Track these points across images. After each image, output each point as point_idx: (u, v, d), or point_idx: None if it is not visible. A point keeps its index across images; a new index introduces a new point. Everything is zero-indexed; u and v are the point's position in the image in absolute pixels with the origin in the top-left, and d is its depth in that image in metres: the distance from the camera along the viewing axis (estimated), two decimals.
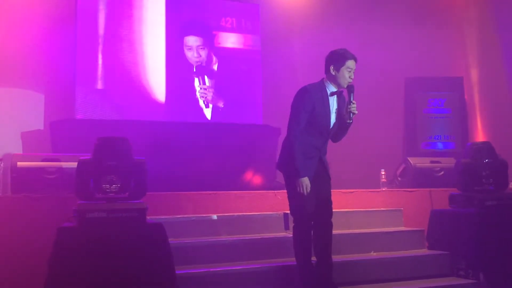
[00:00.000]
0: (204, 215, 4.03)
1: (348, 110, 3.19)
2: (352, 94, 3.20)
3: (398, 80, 7.07)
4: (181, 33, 6.43)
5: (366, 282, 3.65)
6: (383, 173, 5.36)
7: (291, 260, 3.77)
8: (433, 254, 4.07)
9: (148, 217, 3.23)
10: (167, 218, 3.76)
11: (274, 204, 4.39)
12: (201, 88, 6.32)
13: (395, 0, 6.99)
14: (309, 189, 3.14)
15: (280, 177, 5.86)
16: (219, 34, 6.69)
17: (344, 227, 4.23)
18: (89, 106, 5.79)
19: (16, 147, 5.52)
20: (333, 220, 4.29)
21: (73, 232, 3.02)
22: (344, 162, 5.93)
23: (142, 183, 3.20)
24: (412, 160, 5.48)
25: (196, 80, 6.40)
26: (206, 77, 6.44)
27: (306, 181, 3.16)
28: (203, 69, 6.43)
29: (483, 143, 4.37)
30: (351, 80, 3.21)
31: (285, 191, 4.78)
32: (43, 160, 4.17)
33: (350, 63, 3.20)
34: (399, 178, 5.62)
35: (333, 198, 4.64)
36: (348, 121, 3.21)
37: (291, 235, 3.96)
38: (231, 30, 6.78)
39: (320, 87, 3.24)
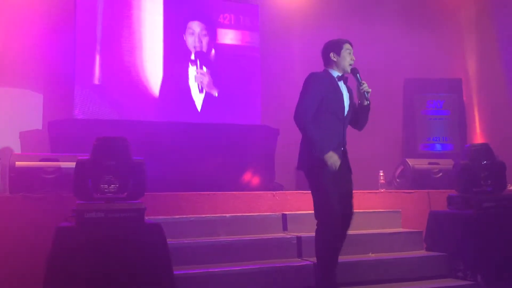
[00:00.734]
0: (202, 216, 4.03)
1: (361, 91, 3.15)
2: (358, 75, 3.18)
3: (397, 81, 7.08)
4: (180, 31, 6.43)
5: (364, 283, 3.65)
6: (381, 174, 5.37)
7: (290, 261, 3.78)
8: (431, 255, 4.07)
9: (146, 218, 3.22)
10: (165, 219, 3.76)
11: (273, 205, 4.40)
12: (197, 73, 6.33)
13: (394, 1, 7.01)
14: (338, 164, 2.96)
15: (278, 178, 5.90)
16: (218, 33, 6.69)
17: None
18: (88, 106, 5.79)
19: (14, 147, 5.52)
20: None
21: (71, 232, 3.01)
22: None
23: (141, 183, 3.20)
24: (410, 162, 5.49)
25: (191, 68, 6.39)
26: (203, 66, 6.45)
27: (332, 156, 2.96)
28: (202, 55, 6.45)
29: (481, 144, 4.38)
30: (352, 62, 3.19)
31: (284, 191, 4.81)
32: (41, 160, 4.17)
33: (348, 45, 3.21)
34: (397, 180, 5.63)
35: None
36: (366, 102, 3.15)
37: (290, 236, 3.97)
38: (230, 28, 6.78)
39: (326, 74, 3.21)
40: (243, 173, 5.61)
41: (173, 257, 3.19)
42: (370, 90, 3.14)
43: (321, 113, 3.08)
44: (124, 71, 6.05)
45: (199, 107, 6.35)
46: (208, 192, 4.27)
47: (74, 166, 3.18)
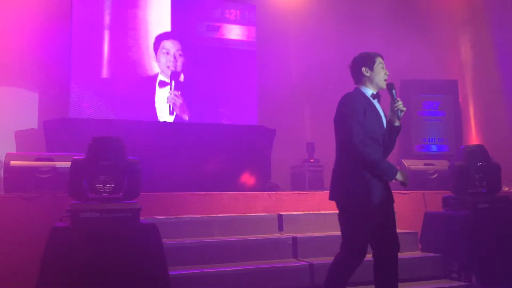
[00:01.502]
0: (198, 216, 4.03)
1: (395, 109, 2.81)
2: (393, 91, 2.87)
3: (393, 82, 7.09)
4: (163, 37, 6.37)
5: (360, 283, 3.65)
6: None
7: (285, 262, 3.79)
8: (426, 256, 4.08)
9: (141, 218, 3.22)
10: (160, 219, 3.76)
11: (269, 206, 4.40)
12: (170, 94, 6.18)
13: (390, 3, 7.03)
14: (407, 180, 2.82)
15: (274, 178, 5.90)
16: (214, 33, 6.69)
17: (337, 228, 4.23)
18: (83, 105, 5.77)
19: (9, 146, 5.50)
20: (328, 222, 4.33)
21: (66, 232, 3.00)
22: None
23: (136, 184, 3.20)
24: (406, 162, 5.50)
25: (163, 89, 6.24)
26: (178, 88, 6.28)
27: (401, 174, 2.79)
28: (177, 75, 6.29)
29: (477, 146, 4.40)
30: (386, 77, 2.90)
31: (279, 192, 4.81)
32: (36, 160, 4.15)
33: (380, 59, 2.92)
34: (393, 180, 5.64)
35: (326, 199, 4.67)
36: (396, 123, 2.83)
37: (285, 237, 3.98)
38: (226, 28, 6.78)
39: (361, 95, 2.84)
40: (239, 174, 5.60)
41: (168, 257, 3.19)
42: (405, 109, 2.83)
43: (364, 139, 2.74)
44: (120, 70, 6.04)
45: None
46: (204, 192, 4.27)
47: (69, 166, 3.17)
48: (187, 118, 6.24)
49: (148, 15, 6.34)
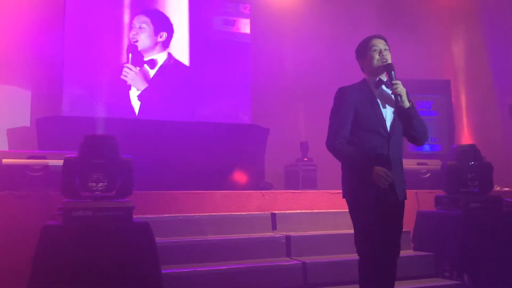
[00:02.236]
0: (191, 215, 4.02)
1: (394, 92, 2.57)
2: (393, 73, 2.60)
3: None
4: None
5: (354, 282, 3.66)
6: None
7: (279, 260, 3.79)
8: (418, 255, 4.10)
9: (134, 216, 3.21)
10: (153, 217, 3.74)
11: (262, 204, 4.40)
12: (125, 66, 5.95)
13: (385, 3, 7.05)
14: (391, 176, 2.47)
15: (268, 177, 5.90)
16: (208, 32, 6.67)
17: (332, 227, 4.26)
18: (76, 103, 5.74)
19: (1, 144, 5.46)
20: (322, 221, 4.34)
21: (58, 231, 2.99)
22: (332, 163, 5.95)
23: (129, 182, 3.19)
24: None
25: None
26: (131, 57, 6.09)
27: (380, 169, 2.46)
28: (134, 49, 6.07)
29: (469, 145, 4.42)
30: (385, 60, 2.64)
31: (273, 191, 4.82)
32: (28, 158, 4.12)
33: (374, 42, 2.68)
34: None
35: (320, 198, 4.70)
36: (401, 103, 2.55)
37: (279, 235, 3.98)
38: (220, 27, 6.76)
39: (359, 85, 2.71)
40: (233, 172, 5.60)
41: (161, 256, 3.18)
42: (402, 92, 2.55)
43: (357, 133, 2.61)
44: (113, 69, 6.01)
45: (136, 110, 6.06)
46: (197, 191, 4.26)
47: (61, 164, 3.15)
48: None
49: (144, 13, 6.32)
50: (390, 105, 2.64)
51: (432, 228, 4.18)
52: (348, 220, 4.39)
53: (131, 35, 6.12)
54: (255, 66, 6.85)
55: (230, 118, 6.37)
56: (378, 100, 2.65)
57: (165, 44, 6.37)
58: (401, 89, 2.56)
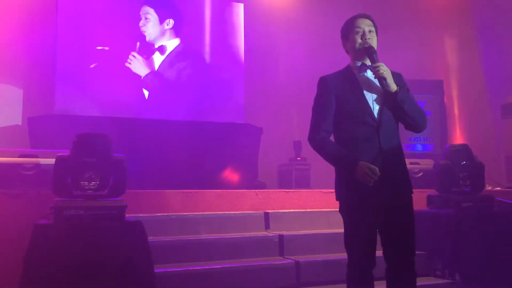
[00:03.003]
0: (184, 214, 4.01)
1: (377, 76, 2.31)
2: (374, 56, 2.36)
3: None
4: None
5: (344, 281, 3.67)
6: None
7: (272, 259, 3.79)
8: None
9: (127, 215, 3.19)
10: (146, 216, 3.73)
11: (255, 203, 4.40)
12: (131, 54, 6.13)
13: (378, 5, 7.06)
14: (377, 173, 2.21)
15: (261, 176, 5.91)
16: (202, 31, 6.67)
17: (325, 227, 4.26)
18: (69, 102, 5.71)
19: None
20: (315, 220, 4.34)
21: (49, 230, 2.97)
22: (325, 162, 5.96)
23: (122, 181, 3.17)
24: None
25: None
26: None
27: (364, 165, 2.21)
28: (142, 38, 6.25)
29: (461, 145, 4.45)
30: (368, 43, 2.39)
31: (267, 190, 4.82)
32: (20, 156, 4.09)
33: (358, 22, 2.43)
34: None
35: (313, 197, 4.70)
36: (386, 87, 2.30)
37: (272, 234, 3.98)
38: (214, 26, 6.76)
39: (342, 72, 2.48)
40: (226, 171, 5.60)
41: (154, 255, 3.17)
42: (386, 74, 2.29)
43: (341, 124, 2.38)
44: (106, 67, 5.98)
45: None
46: (191, 190, 4.25)
47: (53, 163, 3.13)
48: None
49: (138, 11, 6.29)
50: (377, 91, 2.36)
51: (424, 227, 4.18)
52: (341, 219, 4.41)
53: (140, 25, 6.29)
54: (248, 65, 6.85)
55: (224, 117, 6.37)
56: (362, 86, 2.38)
57: (176, 31, 6.48)
58: (384, 70, 2.29)
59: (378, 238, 2.40)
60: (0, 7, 5.72)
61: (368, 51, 2.38)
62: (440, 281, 3.88)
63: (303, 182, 6.08)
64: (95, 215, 3.02)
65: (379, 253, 2.38)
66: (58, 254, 2.89)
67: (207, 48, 6.65)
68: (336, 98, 2.39)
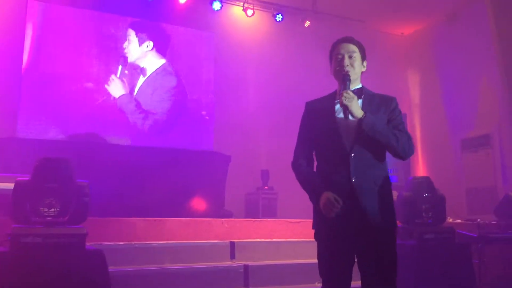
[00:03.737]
0: (147, 242, 3.91)
1: (340, 104, 2.21)
2: (346, 83, 2.24)
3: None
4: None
5: None
6: None
7: None
8: None
9: (88, 244, 3.09)
10: (108, 245, 3.61)
11: (221, 233, 4.35)
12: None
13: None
14: (339, 203, 2.11)
15: (228, 205, 5.86)
16: (173, 58, 6.70)
17: (291, 257, 4.24)
18: (32, 125, 5.56)
19: None
20: (281, 250, 4.32)
21: (5, 258, 2.83)
22: (292, 191, 5.98)
23: (84, 208, 3.08)
24: None
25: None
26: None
27: (325, 196, 2.13)
28: (123, 60, 6.43)
29: (423, 177, 4.57)
30: (346, 68, 2.28)
31: (233, 219, 4.78)
32: None
33: (339, 47, 2.33)
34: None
35: (280, 227, 4.69)
36: (350, 116, 2.19)
37: (237, 265, 3.93)
38: (185, 54, 6.81)
39: (327, 97, 2.40)
40: (193, 199, 5.52)
41: (115, 285, 3.06)
42: (348, 103, 2.17)
43: (317, 149, 2.33)
44: (71, 91, 5.90)
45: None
46: (155, 218, 4.17)
47: (12, 187, 3.01)
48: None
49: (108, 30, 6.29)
50: (349, 119, 2.22)
51: None
52: (307, 250, 4.42)
53: (124, 46, 6.48)
54: (218, 93, 6.89)
55: (193, 144, 6.34)
56: (336, 112, 2.27)
57: (159, 52, 6.64)
58: (348, 98, 2.17)
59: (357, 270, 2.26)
60: None
61: (343, 78, 2.28)
62: None
63: (270, 211, 6.07)
64: (53, 243, 2.92)
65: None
66: (14, 284, 2.75)
67: (180, 74, 6.68)
68: (311, 124, 2.34)
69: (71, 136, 5.68)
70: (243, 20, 7.28)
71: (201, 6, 6.95)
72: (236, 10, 7.29)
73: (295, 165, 2.34)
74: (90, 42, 6.16)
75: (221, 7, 6.91)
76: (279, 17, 7.22)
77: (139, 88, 6.41)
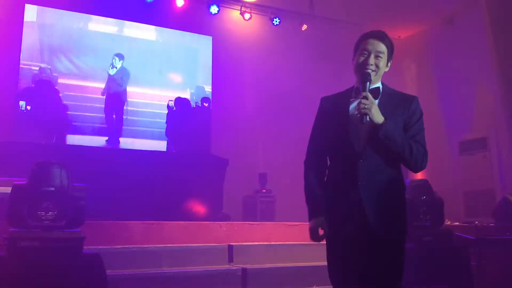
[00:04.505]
0: (145, 246, 3.90)
1: (359, 111, 2.03)
2: (367, 83, 2.07)
3: None
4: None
5: None
6: None
7: None
8: None
9: (85, 247, 3.07)
10: (105, 249, 3.60)
11: (219, 236, 4.34)
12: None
13: (336, 41, 7.34)
14: (318, 236, 2.12)
15: (226, 208, 5.85)
16: (170, 62, 6.71)
17: (288, 260, 4.24)
18: (28, 129, 5.56)
19: None
20: (279, 253, 4.31)
21: (2, 262, 2.81)
22: (289, 194, 5.99)
23: (81, 211, 3.07)
24: None
25: None
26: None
27: (313, 223, 2.12)
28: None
29: (421, 180, 4.57)
30: (371, 67, 2.11)
31: (231, 222, 4.77)
32: None
33: (366, 43, 2.14)
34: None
35: (278, 230, 4.68)
36: (366, 122, 2.02)
37: (235, 268, 3.92)
38: (185, 58, 6.81)
39: (343, 93, 2.24)
40: (191, 203, 5.51)
41: None
42: (368, 109, 2.01)
43: (329, 151, 2.19)
44: (70, 93, 5.90)
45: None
46: (153, 222, 4.15)
47: (9, 191, 3.00)
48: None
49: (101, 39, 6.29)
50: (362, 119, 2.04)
51: None
52: (305, 253, 4.42)
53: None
54: (216, 96, 6.90)
55: (190, 147, 6.34)
56: (350, 112, 2.13)
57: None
58: (368, 105, 2.01)
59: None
60: None
61: (362, 78, 2.10)
62: None
63: (268, 214, 6.06)
64: (51, 247, 2.90)
65: None
66: None
67: (177, 79, 6.68)
68: (324, 122, 2.20)
69: (69, 139, 5.68)
70: (240, 24, 7.29)
71: (199, 10, 6.97)
72: (234, 14, 7.30)
73: (305, 170, 2.22)
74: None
75: (218, 11, 6.93)
76: (276, 21, 7.25)
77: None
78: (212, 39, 7.08)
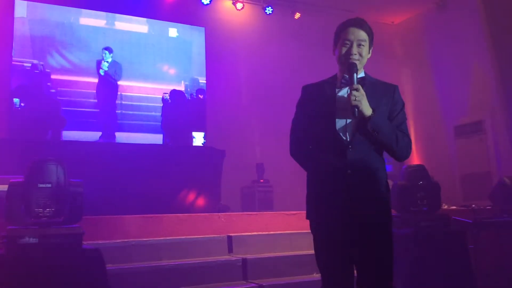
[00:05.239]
0: (144, 239, 3.91)
1: (349, 102, 2.05)
2: (353, 76, 2.08)
3: None
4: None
5: None
6: None
7: (235, 284, 3.74)
8: None
9: (84, 243, 3.08)
10: (105, 243, 3.61)
11: (218, 227, 4.35)
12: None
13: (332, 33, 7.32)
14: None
15: (224, 199, 5.87)
16: (166, 55, 6.67)
17: (288, 249, 4.26)
18: (24, 126, 5.52)
19: None
20: (278, 242, 4.33)
21: (1, 260, 2.82)
22: (286, 184, 6.02)
23: (79, 207, 3.07)
24: None
25: None
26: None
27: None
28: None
29: (417, 166, 4.58)
30: (354, 57, 2.12)
31: (229, 213, 4.78)
32: None
33: (347, 33, 2.13)
34: None
35: (276, 220, 4.70)
36: (357, 115, 2.05)
37: (235, 258, 3.94)
38: (177, 50, 6.77)
39: (326, 81, 2.24)
40: (189, 195, 5.52)
41: (113, 283, 3.06)
42: (358, 103, 2.03)
43: (314, 140, 2.20)
44: (64, 88, 5.86)
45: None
46: (151, 215, 4.16)
47: (6, 189, 2.99)
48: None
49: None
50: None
51: None
52: (304, 241, 4.43)
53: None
54: (210, 88, 6.87)
55: (186, 140, 6.33)
56: (336, 101, 2.14)
57: None
58: (357, 96, 2.03)
59: None
60: None
61: (349, 69, 2.10)
62: None
63: (267, 204, 6.08)
64: (50, 243, 2.90)
65: None
66: (11, 286, 2.74)
67: (171, 71, 6.65)
68: (308, 111, 2.21)
69: (63, 135, 5.66)
70: (233, 14, 7.25)
71: (191, 1, 6.92)
72: (226, 4, 7.25)
73: (295, 150, 2.26)
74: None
75: (210, 1, 6.88)
76: (269, 10, 7.21)
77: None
78: (205, 30, 7.04)
